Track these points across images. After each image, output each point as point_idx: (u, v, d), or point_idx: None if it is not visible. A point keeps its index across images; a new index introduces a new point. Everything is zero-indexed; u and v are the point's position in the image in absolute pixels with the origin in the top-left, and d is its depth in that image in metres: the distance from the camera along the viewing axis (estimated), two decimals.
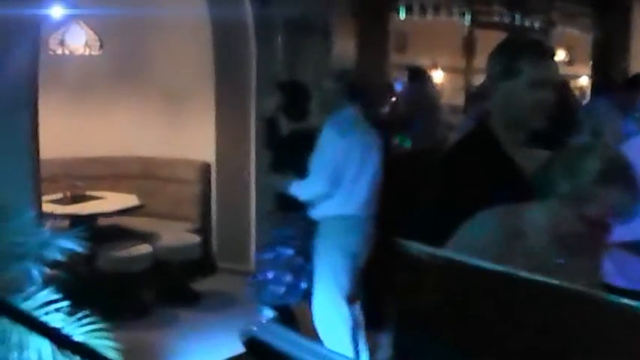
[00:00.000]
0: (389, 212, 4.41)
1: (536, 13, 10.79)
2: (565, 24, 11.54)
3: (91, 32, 6.06)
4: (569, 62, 14.31)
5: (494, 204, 2.18)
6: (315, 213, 4.41)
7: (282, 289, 4.60)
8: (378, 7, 7.45)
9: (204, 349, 5.07)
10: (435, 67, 13.53)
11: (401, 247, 1.39)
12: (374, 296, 4.32)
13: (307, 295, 4.52)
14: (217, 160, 7.02)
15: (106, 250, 5.67)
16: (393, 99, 9.70)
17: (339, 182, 4.28)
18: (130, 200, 6.24)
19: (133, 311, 5.69)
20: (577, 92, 13.13)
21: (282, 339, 1.15)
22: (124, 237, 6.07)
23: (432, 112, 8.73)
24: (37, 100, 4.41)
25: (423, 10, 10.55)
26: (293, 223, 4.61)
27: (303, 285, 4.53)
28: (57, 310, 1.30)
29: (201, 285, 6.56)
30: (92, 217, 5.82)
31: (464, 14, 10.72)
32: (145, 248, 5.88)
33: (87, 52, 6.09)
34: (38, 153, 4.53)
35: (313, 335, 4.44)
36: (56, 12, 5.42)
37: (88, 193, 6.15)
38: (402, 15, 9.97)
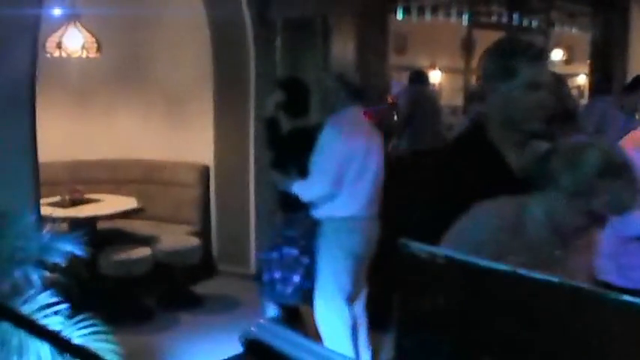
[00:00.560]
0: (390, 212, 4.41)
1: (535, 13, 10.80)
2: (564, 24, 11.56)
3: (88, 35, 6.05)
4: (568, 61, 14.34)
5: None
6: (318, 213, 4.41)
7: (289, 289, 4.60)
8: (378, 8, 7.45)
9: (206, 352, 5.06)
10: (434, 67, 13.55)
11: (402, 247, 1.39)
12: (379, 296, 4.33)
13: (313, 295, 4.52)
14: (216, 162, 7.02)
15: (107, 253, 5.67)
16: (391, 100, 9.70)
17: (341, 183, 4.28)
18: (129, 203, 6.23)
19: (133, 314, 5.70)
20: (575, 91, 13.16)
21: (281, 339, 1.15)
22: (124, 240, 6.08)
23: (431, 113, 8.73)
24: (35, 102, 4.39)
25: (422, 11, 10.57)
26: (297, 223, 4.61)
27: (309, 285, 4.53)
28: (56, 313, 1.30)
29: (202, 288, 6.56)
30: (91, 220, 5.82)
31: (462, 15, 10.74)
32: (145, 251, 5.88)
33: (84, 55, 6.08)
34: (37, 155, 4.52)
35: (319, 334, 4.46)
36: (54, 13, 5.42)
37: (87, 196, 6.16)
38: (401, 16, 9.99)
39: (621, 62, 9.17)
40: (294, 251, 4.58)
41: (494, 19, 10.78)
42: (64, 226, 5.47)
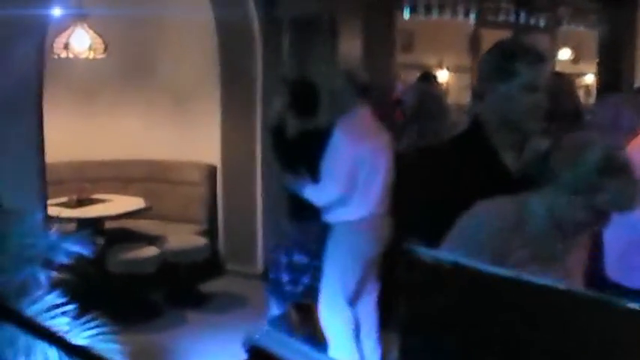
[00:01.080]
0: (399, 211, 4.40)
1: (542, 12, 10.77)
2: (571, 21, 11.53)
3: (95, 35, 6.07)
4: (575, 60, 14.30)
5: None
6: (330, 217, 4.38)
7: (299, 288, 4.61)
8: (385, 6, 7.43)
9: (213, 351, 5.07)
10: (441, 66, 13.54)
11: (406, 250, 1.38)
12: (389, 297, 4.32)
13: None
14: (223, 161, 7.03)
15: (115, 252, 5.69)
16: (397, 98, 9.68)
17: (353, 186, 4.25)
18: (136, 203, 6.25)
19: (141, 313, 5.71)
20: (583, 90, 13.11)
21: (285, 347, 1.14)
22: (132, 240, 6.09)
23: (437, 112, 8.70)
24: (42, 102, 4.40)
25: (429, 9, 10.56)
26: (306, 229, 4.59)
27: (319, 284, 4.52)
28: (63, 313, 1.30)
29: (209, 287, 6.56)
30: (98, 220, 5.83)
31: (469, 13, 10.73)
32: (152, 251, 5.89)
33: (91, 56, 6.09)
34: (44, 156, 4.53)
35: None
36: (61, 13, 5.42)
37: (95, 196, 6.17)
38: (407, 14, 9.97)
39: (629, 60, 9.13)
40: (304, 256, 4.58)
41: (501, 17, 10.76)
42: (72, 226, 5.48)
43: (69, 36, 5.95)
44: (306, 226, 4.57)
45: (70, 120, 6.77)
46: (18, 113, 4.27)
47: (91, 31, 6.05)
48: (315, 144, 4.31)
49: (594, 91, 11.55)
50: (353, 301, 4.40)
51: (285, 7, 6.63)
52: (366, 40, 6.89)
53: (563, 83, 4.62)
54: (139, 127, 7.15)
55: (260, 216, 6.88)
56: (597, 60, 10.19)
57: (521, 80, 2.44)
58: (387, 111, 7.00)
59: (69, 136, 6.61)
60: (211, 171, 7.03)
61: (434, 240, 2.04)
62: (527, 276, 1.31)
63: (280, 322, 4.80)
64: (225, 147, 7.00)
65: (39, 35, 4.33)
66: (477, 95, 2.63)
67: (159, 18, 6.85)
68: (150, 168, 7.08)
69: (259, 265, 6.85)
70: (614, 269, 3.13)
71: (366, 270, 4.40)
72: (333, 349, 4.37)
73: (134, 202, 6.26)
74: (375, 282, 4.56)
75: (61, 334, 1.21)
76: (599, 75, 10.06)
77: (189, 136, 7.10)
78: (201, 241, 6.44)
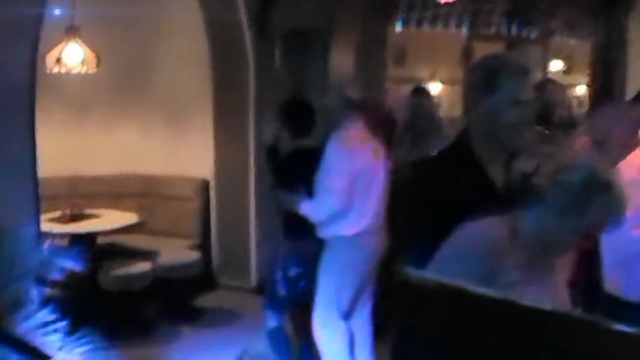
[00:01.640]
0: (393, 225, 4.39)
1: (535, 24, 10.81)
2: (563, 33, 11.57)
3: (88, 50, 6.05)
4: (567, 71, 14.33)
5: (470, 217, 2.18)
6: (325, 233, 4.35)
7: (295, 301, 4.62)
8: (377, 20, 7.46)
9: None
10: (434, 79, 13.55)
11: (397, 271, 1.40)
12: (383, 309, 4.32)
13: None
14: (216, 176, 7.02)
15: (107, 268, 5.66)
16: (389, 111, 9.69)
17: (349, 200, 4.23)
18: (129, 218, 6.22)
19: (134, 328, 5.68)
20: (575, 101, 13.14)
21: None
22: (124, 255, 6.06)
23: (429, 125, 8.71)
24: (34, 115, 4.36)
25: (421, 23, 10.58)
26: (301, 247, 4.58)
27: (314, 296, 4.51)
28: (56, 330, 1.29)
29: (202, 301, 6.54)
30: (91, 235, 5.81)
31: (462, 26, 10.76)
32: (145, 266, 5.87)
33: (84, 70, 6.07)
34: (37, 170, 4.50)
35: None
36: (52, 23, 5.36)
37: (87, 211, 6.14)
38: (400, 27, 9.99)
39: (621, 72, 9.17)
40: (299, 269, 4.58)
41: (493, 29, 10.79)
42: (64, 241, 5.45)
43: (61, 51, 5.93)
44: (301, 243, 4.56)
45: (63, 134, 6.75)
46: (10, 124, 4.24)
47: (83, 45, 6.04)
48: (310, 160, 4.30)
49: (586, 102, 11.57)
50: (347, 315, 4.39)
51: (277, 22, 6.65)
52: (359, 54, 6.90)
53: (557, 89, 4.66)
54: (132, 142, 7.13)
55: (253, 230, 6.87)
56: (589, 71, 10.23)
57: (504, 94, 2.45)
58: (382, 123, 6.99)
59: (62, 150, 6.59)
60: (204, 185, 7.02)
61: (423, 255, 2.03)
62: (511, 297, 1.31)
63: (277, 334, 4.79)
64: (219, 161, 6.99)
65: (30, 40, 4.21)
66: (467, 108, 2.65)
67: (152, 32, 6.85)
68: (142, 182, 7.06)
69: (253, 279, 6.83)
70: (610, 280, 3.13)
71: (361, 284, 4.38)
72: None
73: (127, 218, 6.23)
74: (369, 295, 4.55)
75: (51, 352, 1.21)
76: (591, 86, 10.10)
77: (182, 150, 7.09)
78: (195, 255, 6.42)
